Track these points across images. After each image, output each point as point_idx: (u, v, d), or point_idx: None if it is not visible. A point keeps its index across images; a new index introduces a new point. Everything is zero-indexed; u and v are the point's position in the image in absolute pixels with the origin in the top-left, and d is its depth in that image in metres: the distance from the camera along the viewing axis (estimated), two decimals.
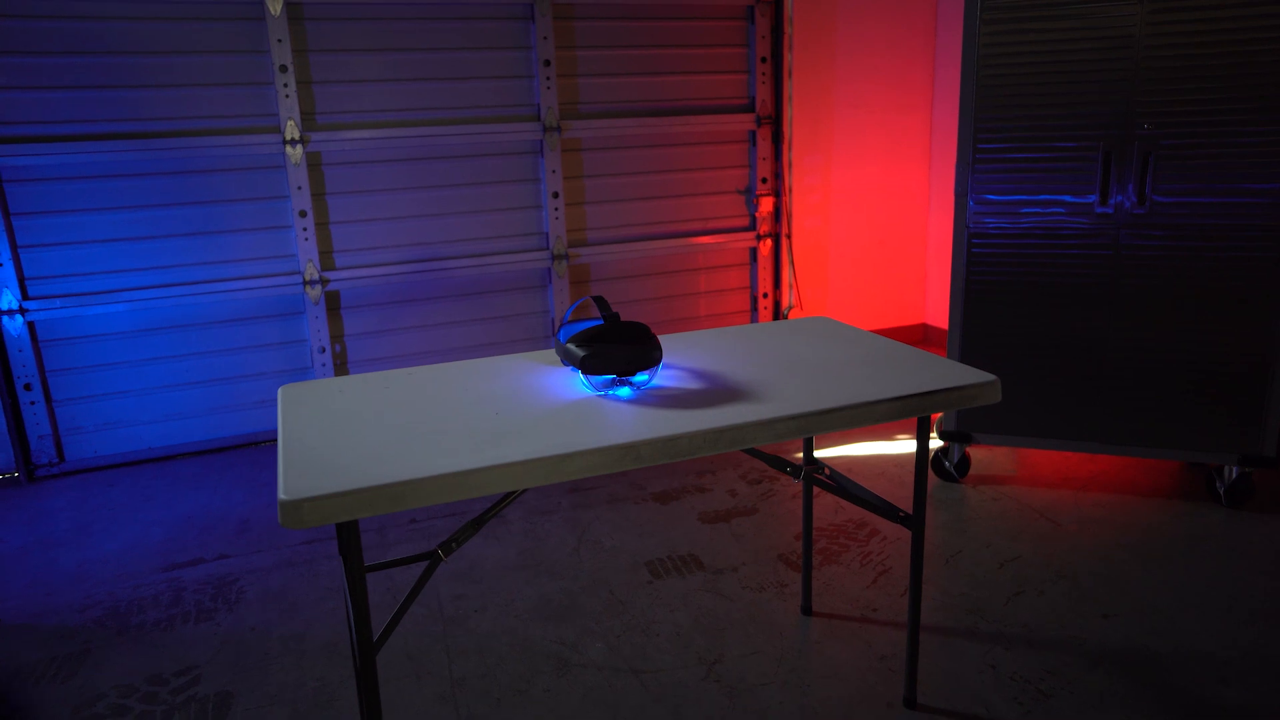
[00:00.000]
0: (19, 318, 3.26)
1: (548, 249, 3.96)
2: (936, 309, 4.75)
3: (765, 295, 4.40)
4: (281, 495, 1.21)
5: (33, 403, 3.34)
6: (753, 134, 4.22)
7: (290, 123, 3.44)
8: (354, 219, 3.65)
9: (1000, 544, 2.60)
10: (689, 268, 4.26)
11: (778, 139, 4.24)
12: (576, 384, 1.67)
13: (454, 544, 1.54)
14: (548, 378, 1.71)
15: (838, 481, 2.03)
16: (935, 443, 3.65)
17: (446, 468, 1.28)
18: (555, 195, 3.91)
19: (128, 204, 3.33)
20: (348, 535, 1.32)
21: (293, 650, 2.20)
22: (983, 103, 2.73)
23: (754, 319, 4.43)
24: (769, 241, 4.34)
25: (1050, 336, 2.81)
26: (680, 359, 1.82)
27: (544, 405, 1.55)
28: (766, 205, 4.28)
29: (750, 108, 4.19)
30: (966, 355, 2.90)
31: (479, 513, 1.22)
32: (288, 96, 3.42)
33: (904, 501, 2.92)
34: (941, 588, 2.38)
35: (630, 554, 2.63)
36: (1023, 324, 2.83)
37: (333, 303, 3.68)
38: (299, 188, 3.50)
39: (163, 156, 3.32)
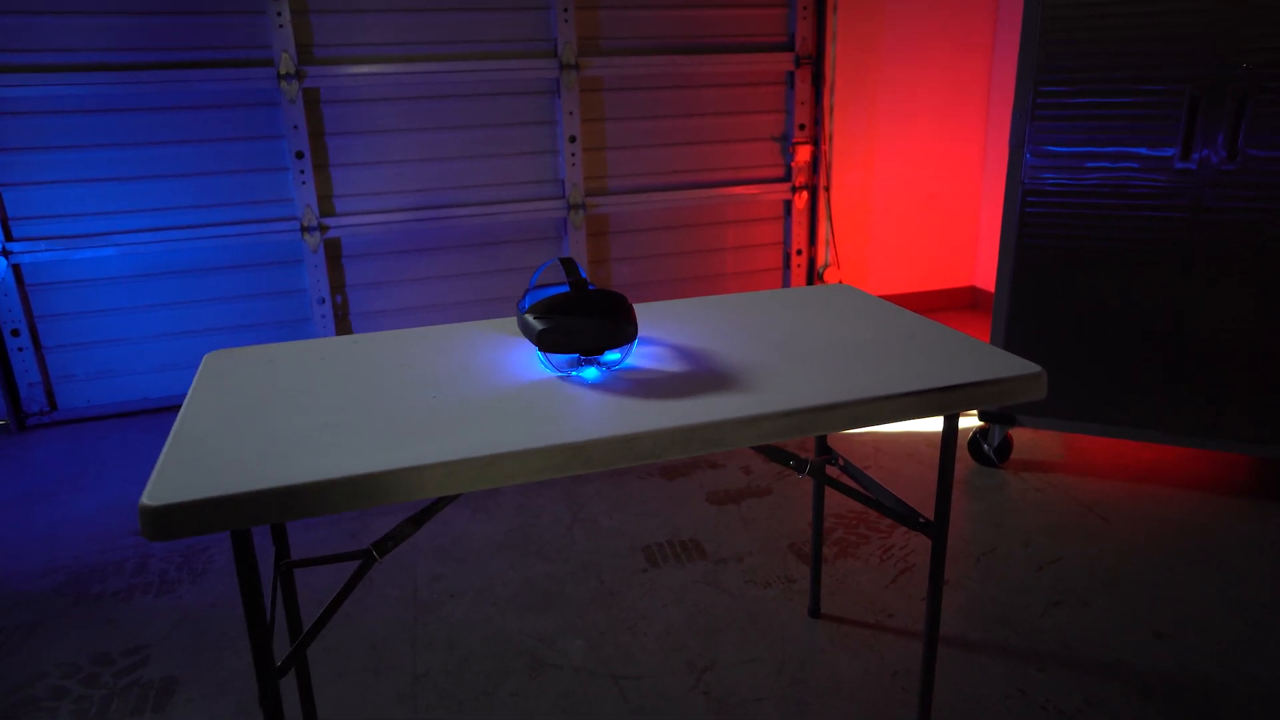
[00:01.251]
0: (2, 260, 3.11)
1: (564, 198, 3.69)
2: (988, 271, 4.39)
3: (799, 252, 4.09)
4: (143, 499, 1.00)
5: (20, 349, 3.21)
6: (791, 75, 3.87)
7: (285, 55, 3.20)
8: (355, 162, 3.41)
9: (1040, 542, 2.32)
10: (717, 220, 3.96)
11: (818, 81, 3.89)
12: (537, 362, 1.42)
13: (390, 543, 1.32)
14: (509, 353, 1.47)
15: (852, 475, 1.77)
16: (973, 421, 3.35)
17: (349, 469, 1.05)
18: (573, 139, 3.62)
19: (115, 141, 3.14)
20: (241, 544, 1.10)
21: None
22: (1048, 39, 2.37)
23: (786, 278, 4.12)
24: (805, 194, 4.02)
25: (1111, 309, 2.48)
26: (665, 333, 1.56)
27: (491, 389, 1.31)
28: (804, 154, 3.94)
29: (789, 46, 3.83)
30: (1013, 326, 2.59)
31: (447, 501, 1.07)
32: (282, 26, 3.17)
33: (933, 492, 2.63)
34: (969, 592, 2.12)
35: (628, 537, 2.41)
36: (1080, 294, 2.50)
37: (333, 251, 3.47)
38: (295, 127, 3.27)
39: (151, 90, 3.11)
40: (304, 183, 3.34)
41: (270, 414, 1.23)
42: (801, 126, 3.92)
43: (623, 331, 1.35)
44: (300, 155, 3.31)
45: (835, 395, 1.25)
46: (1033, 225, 2.51)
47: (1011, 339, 2.60)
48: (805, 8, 3.78)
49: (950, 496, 1.49)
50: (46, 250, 3.14)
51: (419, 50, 3.38)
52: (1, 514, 2.64)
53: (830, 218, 4.13)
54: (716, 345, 1.48)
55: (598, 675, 1.86)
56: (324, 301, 3.48)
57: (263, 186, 3.33)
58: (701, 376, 1.34)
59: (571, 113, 3.59)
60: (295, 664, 1.78)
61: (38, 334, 3.24)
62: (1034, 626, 1.98)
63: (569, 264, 1.43)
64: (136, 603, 2.17)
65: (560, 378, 1.35)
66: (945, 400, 1.28)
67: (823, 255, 4.16)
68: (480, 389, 1.31)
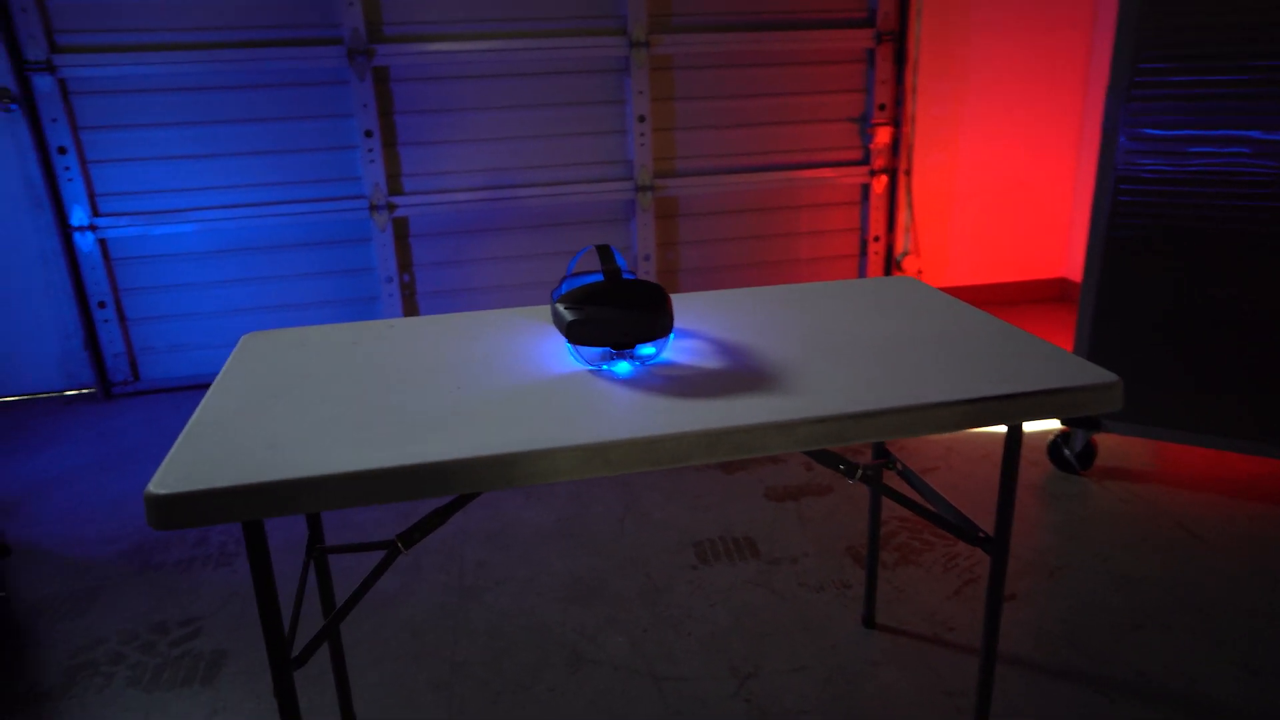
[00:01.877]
0: (89, 234, 3.22)
1: (631, 179, 3.62)
2: (1079, 262, 4.14)
3: (876, 239, 3.92)
4: (150, 487, 0.98)
5: (106, 320, 3.33)
6: (871, 53, 3.69)
7: (355, 33, 3.20)
8: (423, 140, 3.41)
9: (1121, 558, 2.16)
10: (790, 205, 3.83)
11: (901, 59, 3.70)
12: (568, 354, 1.36)
13: (416, 534, 1.29)
14: (542, 343, 1.42)
15: (910, 482, 1.67)
16: (1053, 423, 3.16)
17: (357, 464, 1.01)
18: (641, 119, 3.54)
19: (193, 119, 3.21)
20: (253, 535, 1.08)
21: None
22: (1149, 8, 2.18)
23: (862, 265, 3.97)
24: (884, 178, 3.85)
25: (1214, 308, 2.28)
26: (709, 325, 1.48)
27: (517, 381, 1.26)
28: (883, 136, 3.77)
29: (870, 22, 3.65)
30: (1100, 324, 2.41)
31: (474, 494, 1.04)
32: (352, 4, 3.18)
33: (1017, 503, 2.48)
34: (1037, 608, 1.98)
35: (679, 531, 2.34)
36: (1178, 290, 2.31)
37: (401, 230, 3.49)
38: (364, 105, 3.28)
39: (226, 69, 3.16)
40: (372, 161, 3.36)
41: (291, 401, 1.21)
42: (881, 107, 3.75)
43: (656, 325, 1.27)
44: (369, 134, 3.32)
45: (879, 400, 1.15)
46: (1126, 215, 2.32)
47: (1098, 337, 2.43)
48: None
49: (1011, 511, 1.37)
50: (129, 225, 3.24)
51: (487, 28, 3.34)
52: (78, 480, 2.74)
53: (910, 203, 3.95)
54: (760, 340, 1.40)
55: (637, 674, 1.80)
56: (391, 280, 3.50)
57: (332, 165, 3.36)
58: (739, 374, 1.26)
59: (641, 92, 3.51)
60: (329, 647, 1.79)
61: (122, 306, 3.35)
62: (1107, 651, 1.84)
63: (604, 251, 1.36)
64: (195, 574, 2.22)
65: (591, 371, 1.29)
66: (1003, 410, 1.17)
67: (901, 242, 3.99)
68: (506, 381, 1.26)
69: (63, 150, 3.13)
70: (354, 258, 3.48)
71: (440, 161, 3.45)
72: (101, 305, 3.30)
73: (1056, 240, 4.16)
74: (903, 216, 3.95)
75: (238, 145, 3.27)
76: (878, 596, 2.04)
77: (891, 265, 3.96)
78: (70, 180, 3.16)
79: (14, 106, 3.11)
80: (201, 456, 1.05)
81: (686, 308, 1.57)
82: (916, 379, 1.22)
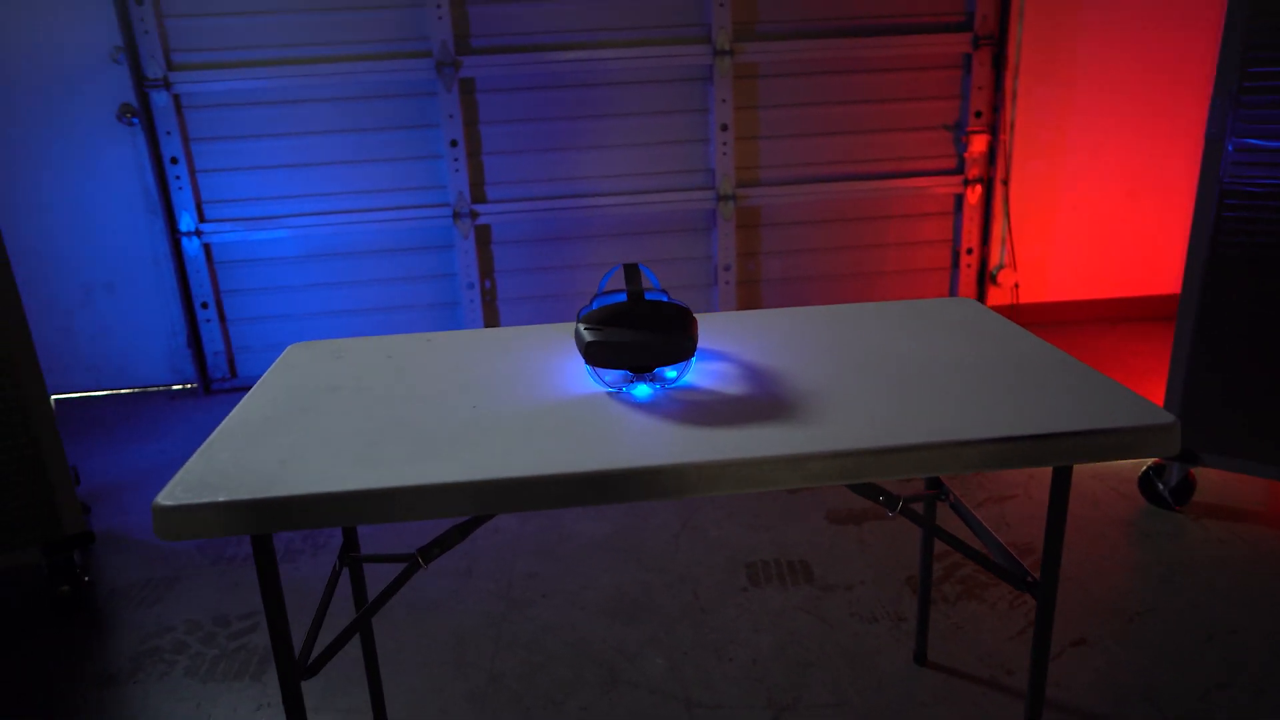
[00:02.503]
0: (196, 239, 3.41)
1: (713, 188, 3.58)
2: None
3: (969, 251, 3.75)
4: (157, 498, 1.02)
5: (208, 320, 3.52)
6: (968, 58, 3.54)
7: (443, 45, 3.28)
8: (506, 150, 3.47)
9: (1214, 606, 1.99)
10: (878, 215, 3.71)
11: (1000, 64, 3.53)
12: (589, 374, 1.34)
13: (436, 550, 1.30)
14: (570, 362, 1.40)
15: (961, 516, 1.57)
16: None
17: (356, 483, 1.02)
18: (724, 128, 3.50)
19: (290, 130, 3.36)
20: (260, 548, 1.11)
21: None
22: (1262, 4, 2.00)
23: (954, 278, 3.80)
24: (979, 187, 3.68)
25: None
26: (742, 346, 1.43)
27: (535, 402, 1.25)
28: (979, 144, 3.61)
29: (967, 25, 3.50)
30: (1199, 350, 2.23)
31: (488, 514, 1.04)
32: (440, 18, 3.26)
33: (1096, 536, 2.33)
34: (1111, 657, 1.84)
35: (733, 549, 2.29)
36: None
37: (483, 237, 3.55)
38: (450, 116, 3.36)
39: (320, 82, 3.29)
40: (457, 170, 3.43)
41: (314, 415, 1.23)
42: (978, 114, 3.59)
43: (676, 349, 1.24)
44: (454, 143, 3.40)
45: (900, 436, 1.08)
46: (1231, 233, 2.14)
47: (1196, 363, 2.24)
48: None
49: (1058, 556, 1.27)
50: (230, 231, 3.42)
51: (572, 38, 3.37)
52: (169, 471, 2.90)
53: (1008, 214, 3.76)
54: (792, 364, 1.34)
55: (672, 699, 1.77)
56: (473, 286, 3.57)
57: (419, 174, 3.45)
58: (759, 401, 1.21)
59: (724, 100, 3.47)
60: (363, 652, 1.82)
61: (223, 307, 3.54)
62: (1187, 709, 1.69)
63: (631, 270, 1.34)
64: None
65: (609, 393, 1.27)
66: (1037, 452, 1.09)
67: (996, 255, 3.81)
68: (524, 401, 1.25)
69: (174, 161, 3.33)
70: (438, 264, 3.57)
71: (522, 170, 3.50)
72: (204, 306, 3.50)
73: (1170, 254, 3.88)
74: (998, 228, 3.77)
75: (330, 155, 3.40)
76: (935, 632, 1.94)
77: (986, 279, 3.78)
78: (180, 189, 3.36)
79: (135, 120, 3.32)
80: (213, 469, 1.08)
81: (722, 327, 1.53)
82: (949, 412, 1.15)
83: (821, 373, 1.31)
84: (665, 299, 1.36)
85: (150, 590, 2.23)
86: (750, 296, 3.75)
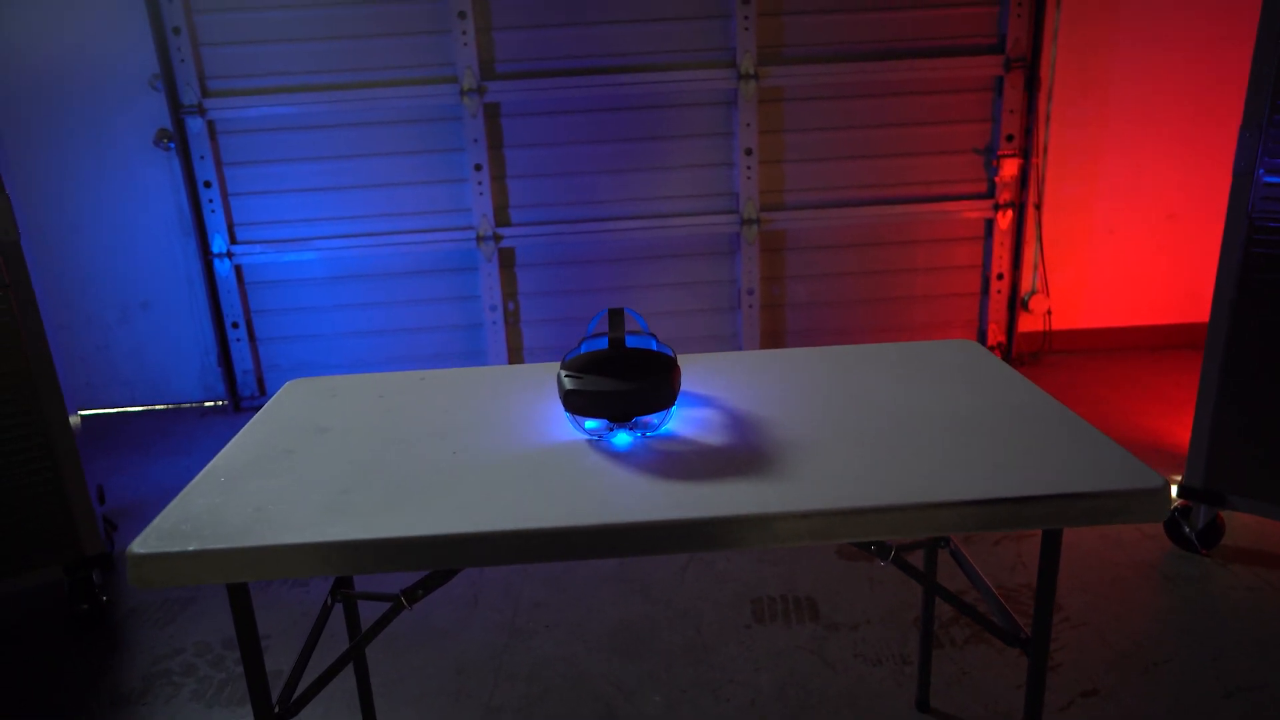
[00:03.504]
0: (227, 261, 3.49)
1: (737, 212, 3.56)
2: None
3: (1000, 277, 3.68)
4: (132, 545, 1.04)
5: (238, 340, 3.60)
6: (999, 81, 3.48)
7: (468, 71, 3.32)
8: (530, 173, 3.49)
9: (1238, 659, 1.91)
10: (906, 239, 3.66)
11: (1032, 86, 3.47)
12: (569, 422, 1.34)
13: (419, 592, 1.31)
14: (557, 405, 1.40)
15: (960, 565, 1.54)
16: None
17: (324, 535, 1.04)
18: (749, 152, 3.49)
19: (318, 154, 3.42)
20: (236, 597, 1.12)
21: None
22: None
23: (984, 304, 3.73)
24: (1010, 212, 3.61)
25: None
26: (731, 391, 1.42)
27: (514, 449, 1.25)
28: (1010, 168, 3.54)
29: (999, 48, 3.44)
30: (1225, 387, 2.15)
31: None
32: (466, 45, 3.30)
33: (1116, 579, 2.26)
34: (1124, 709, 1.78)
35: (739, 584, 2.27)
36: None
37: (506, 260, 3.58)
38: (475, 140, 3.40)
39: (348, 108, 3.35)
40: (481, 194, 3.47)
41: (296, 459, 1.25)
42: (1009, 137, 3.52)
43: (655, 398, 1.23)
44: (479, 167, 3.44)
45: (877, 495, 1.06)
46: (1261, 269, 2.06)
47: (1224, 400, 2.17)
48: (1020, 5, 3.38)
49: (1049, 617, 1.24)
50: (261, 253, 3.49)
51: (596, 63, 3.39)
52: None
53: (1040, 238, 3.68)
54: (778, 411, 1.33)
55: None
56: (495, 309, 3.60)
57: (444, 197, 3.49)
58: (738, 454, 1.20)
59: (749, 124, 3.45)
60: (357, 686, 1.83)
61: (253, 326, 3.61)
62: None
63: (615, 316, 1.33)
64: (274, 592, 2.34)
65: (589, 441, 1.26)
66: (1018, 515, 1.06)
67: (1028, 281, 3.73)
68: (504, 448, 1.25)
69: (208, 184, 3.41)
70: (462, 286, 3.60)
71: (546, 194, 3.52)
72: (235, 325, 3.57)
73: (1211, 282, 3.76)
74: (1030, 253, 3.69)
75: (358, 178, 3.46)
76: (940, 677, 1.89)
77: (1017, 305, 3.70)
78: (213, 212, 3.44)
79: (171, 145, 3.42)
80: (189, 515, 1.10)
81: (714, 368, 1.52)
82: (930, 470, 1.12)
83: (805, 422, 1.29)
84: (653, 343, 1.36)
85: (166, 610, 2.27)
86: (774, 321, 3.73)
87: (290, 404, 1.47)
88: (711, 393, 1.43)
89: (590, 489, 1.12)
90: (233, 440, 1.34)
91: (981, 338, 3.77)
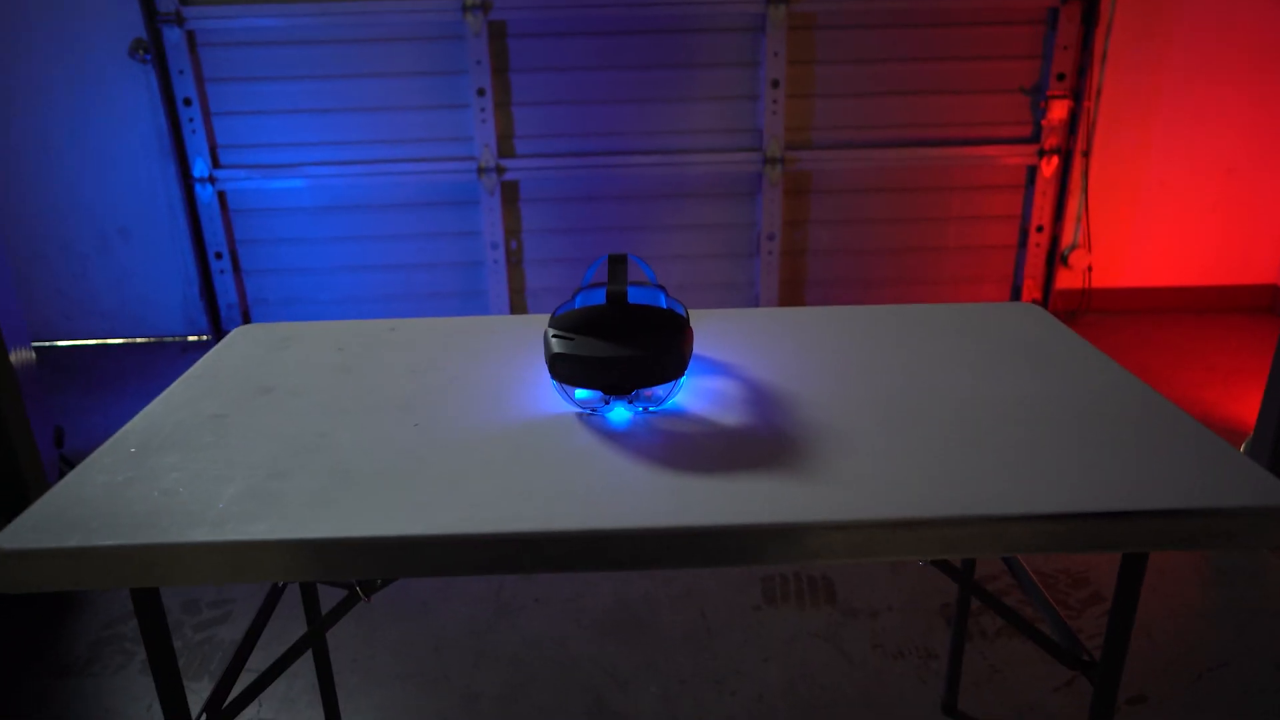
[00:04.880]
0: (209, 186, 3.25)
1: (760, 150, 3.29)
2: None
3: (1040, 229, 3.41)
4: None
5: (222, 271, 3.38)
6: (1054, 13, 3.16)
7: None
8: (537, 101, 3.22)
9: None
10: (941, 185, 3.38)
11: (1090, 21, 3.15)
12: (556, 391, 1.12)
13: (379, 582, 1.11)
14: (545, 371, 1.19)
15: (1011, 570, 1.33)
16: None
17: (235, 531, 0.83)
18: (775, 84, 3.20)
19: (309, 73, 3.15)
20: (143, 605, 0.92)
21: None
22: None
23: (1020, 258, 3.47)
24: (1055, 159, 3.32)
25: None
26: (753, 356, 1.19)
27: (489, 422, 1.04)
28: (1059, 111, 3.24)
29: None
30: None
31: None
32: None
33: (1164, 573, 2.06)
34: (1171, 716, 1.59)
35: None
36: None
37: (510, 194, 3.33)
38: (478, 62, 3.12)
39: (342, 22, 3.07)
40: (484, 121, 3.20)
41: (225, 429, 1.04)
42: (1060, 77, 3.22)
43: (661, 367, 1.01)
44: (481, 92, 3.16)
45: (931, 504, 0.85)
46: None
47: None
48: None
49: (1127, 641, 1.03)
50: (246, 179, 3.25)
51: None
52: None
53: (1085, 189, 3.40)
54: (809, 386, 1.10)
55: None
56: (497, 246, 3.36)
57: (443, 124, 3.23)
58: (759, 439, 0.98)
59: (777, 54, 3.16)
60: (316, 672, 1.66)
61: (238, 257, 3.39)
62: None
63: (616, 263, 1.10)
64: None
65: (579, 415, 1.05)
66: (1110, 534, 0.84)
67: (1070, 234, 3.46)
68: (476, 422, 1.04)
69: (188, 102, 3.16)
70: (461, 220, 3.36)
71: (554, 123, 3.25)
72: (218, 256, 3.35)
73: (1272, 240, 3.49)
74: (1074, 204, 3.41)
75: (350, 100, 3.19)
76: (968, 674, 1.71)
77: (1056, 260, 3.44)
78: (194, 132, 3.19)
79: (148, 57, 3.15)
80: (81, 498, 0.89)
81: (731, 328, 1.29)
82: (996, 471, 0.90)
83: (841, 401, 1.07)
84: (661, 298, 1.13)
85: None
86: (795, 269, 3.48)
87: (233, 355, 1.26)
88: (728, 358, 1.21)
89: (575, 481, 0.90)
90: (157, 399, 1.13)
91: (1015, 294, 3.52)
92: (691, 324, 1.24)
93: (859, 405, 1.06)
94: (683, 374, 1.04)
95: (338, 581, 0.96)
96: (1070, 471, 0.90)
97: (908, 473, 0.90)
